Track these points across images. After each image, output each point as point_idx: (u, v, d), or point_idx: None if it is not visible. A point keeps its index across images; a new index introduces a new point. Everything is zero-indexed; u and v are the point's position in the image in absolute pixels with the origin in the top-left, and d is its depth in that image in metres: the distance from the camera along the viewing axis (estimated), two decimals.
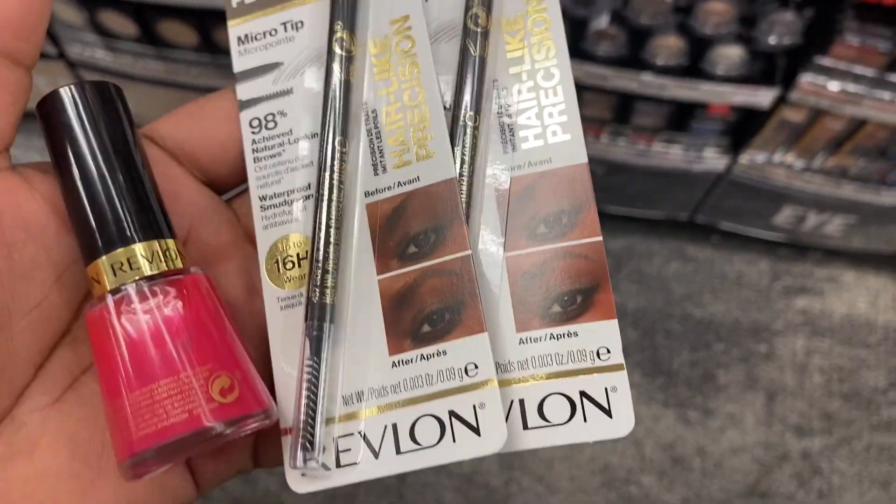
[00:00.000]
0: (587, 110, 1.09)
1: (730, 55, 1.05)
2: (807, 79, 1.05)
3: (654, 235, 1.20)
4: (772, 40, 1.03)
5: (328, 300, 0.36)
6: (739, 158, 1.17)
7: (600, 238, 0.37)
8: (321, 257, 0.36)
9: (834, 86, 1.04)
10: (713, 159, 1.17)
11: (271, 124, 0.38)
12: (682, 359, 1.12)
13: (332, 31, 0.38)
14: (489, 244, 0.37)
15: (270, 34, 0.39)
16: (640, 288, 1.16)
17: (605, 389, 0.36)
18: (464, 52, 0.38)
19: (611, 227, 1.19)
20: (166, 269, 0.34)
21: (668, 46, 1.00)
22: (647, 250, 1.19)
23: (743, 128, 1.17)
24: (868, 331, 1.27)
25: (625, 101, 1.08)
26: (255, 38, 0.39)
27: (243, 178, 0.39)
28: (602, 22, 0.99)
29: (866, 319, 1.29)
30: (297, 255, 0.38)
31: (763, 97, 1.07)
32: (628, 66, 1.01)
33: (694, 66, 1.05)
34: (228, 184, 0.40)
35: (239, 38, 0.39)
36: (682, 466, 1.10)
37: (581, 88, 1.07)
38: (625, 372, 0.36)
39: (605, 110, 1.10)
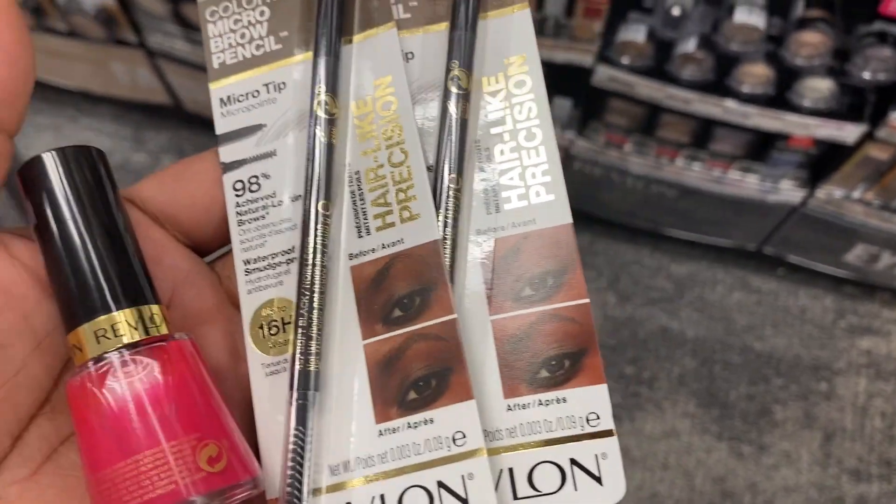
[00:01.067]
0: (664, 133, 1.08)
1: (819, 88, 1.03)
2: None
3: (718, 263, 1.18)
4: (866, 75, 1.01)
5: (312, 367, 0.35)
6: (816, 192, 1.15)
7: (587, 300, 0.36)
8: (306, 323, 0.36)
9: None
10: (789, 191, 1.15)
11: (255, 187, 0.38)
12: (739, 391, 1.10)
13: (313, 94, 0.37)
14: (474, 307, 0.37)
15: (252, 95, 0.39)
16: (700, 316, 1.14)
17: (596, 456, 0.35)
18: (444, 113, 0.37)
19: (675, 252, 1.17)
20: (150, 336, 0.33)
21: (755, 74, 0.99)
22: (712, 278, 1.17)
23: (824, 162, 1.15)
24: None
25: (705, 126, 1.07)
26: (238, 100, 0.39)
27: (226, 240, 0.39)
28: (690, 46, 0.99)
29: None
30: (282, 319, 0.37)
31: (849, 133, 1.06)
32: (713, 91, 1.00)
33: (780, 97, 1.03)
34: (211, 246, 0.40)
35: (221, 100, 0.39)
36: (732, 501, 1.08)
37: (660, 110, 1.06)
38: (615, 438, 0.36)
39: (683, 134, 1.09)
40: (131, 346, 0.32)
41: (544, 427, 0.36)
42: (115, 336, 0.32)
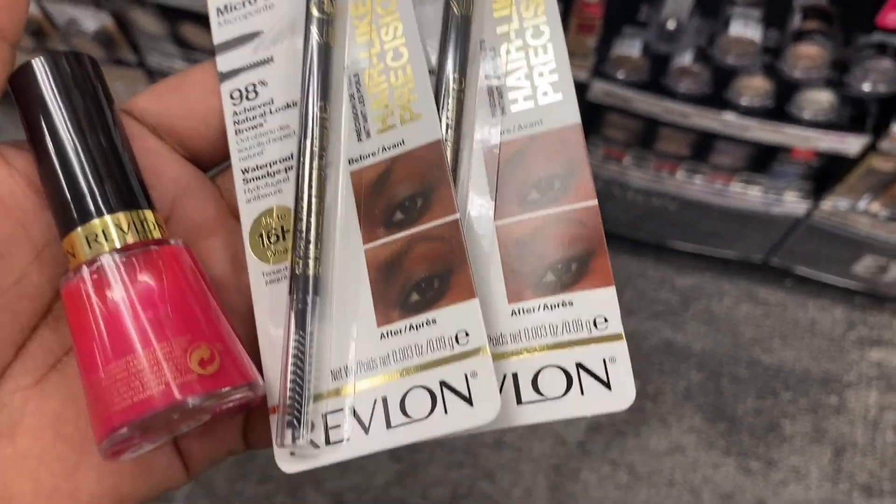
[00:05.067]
0: (663, 146, 1.08)
1: (819, 100, 1.04)
2: None
3: (724, 275, 1.18)
4: (865, 87, 1.01)
5: (312, 272, 0.35)
6: (821, 204, 1.15)
7: (595, 202, 0.35)
8: (304, 227, 0.35)
9: None
10: (793, 203, 1.15)
11: (252, 94, 0.37)
12: (746, 406, 1.09)
13: None
14: (479, 211, 0.36)
15: (249, 3, 0.38)
16: (707, 329, 1.13)
17: (604, 360, 0.34)
18: (447, 11, 0.37)
19: (680, 264, 1.17)
20: (142, 239, 0.33)
21: (753, 87, 0.99)
22: (718, 290, 1.17)
23: (827, 174, 1.15)
24: None
25: (704, 140, 1.07)
26: (234, 8, 0.38)
27: (226, 153, 0.39)
28: (686, 59, 0.98)
29: None
30: (282, 227, 0.36)
31: (851, 144, 1.06)
32: (710, 104, 0.99)
33: (779, 109, 1.03)
34: (211, 159, 0.39)
35: (218, 10, 0.38)
36: None
37: (658, 124, 1.06)
38: (624, 341, 0.34)
39: (682, 147, 1.09)
40: (124, 250, 0.32)
41: (549, 331, 0.35)
42: (108, 240, 0.32)
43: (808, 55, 1.00)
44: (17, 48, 0.34)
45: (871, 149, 1.10)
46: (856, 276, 1.24)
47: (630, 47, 1.07)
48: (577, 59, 1.12)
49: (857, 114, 1.05)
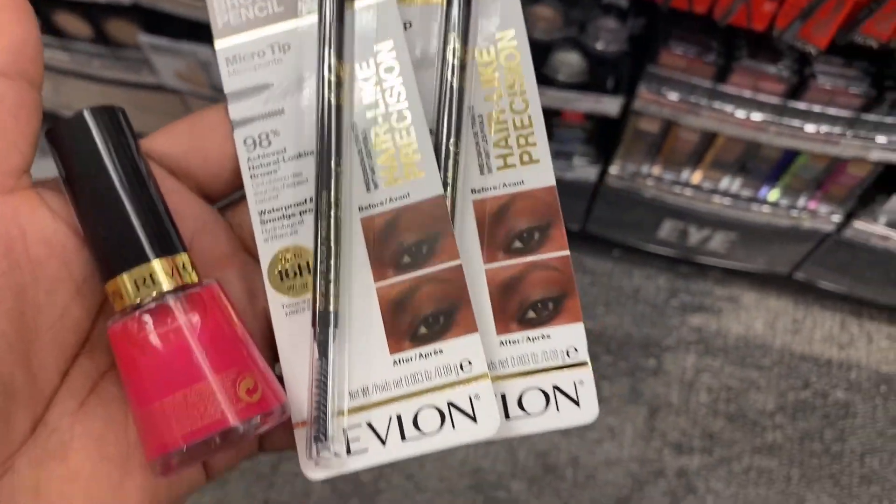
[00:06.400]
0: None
1: (569, 62, 1.10)
2: (645, 87, 1.10)
3: None
4: (599, 46, 1.09)
5: (332, 307, 0.39)
6: (610, 168, 1.21)
7: (568, 252, 0.42)
8: (324, 269, 0.39)
9: (673, 95, 1.11)
10: (582, 168, 1.21)
11: (265, 142, 0.41)
12: None
13: (321, 58, 0.40)
14: (470, 257, 0.42)
15: (258, 55, 0.41)
16: None
17: (574, 383, 0.41)
18: (442, 82, 0.42)
19: None
20: (184, 282, 0.36)
21: None
22: None
23: (603, 137, 1.21)
24: (762, 353, 1.30)
25: None
26: (244, 59, 0.41)
27: (234, 190, 0.42)
28: None
29: (762, 341, 1.31)
30: (298, 265, 0.41)
31: (609, 105, 1.13)
32: None
33: (538, 72, 1.10)
34: (221, 196, 0.42)
35: (227, 59, 0.41)
36: (553, 475, 1.11)
37: None
38: (589, 367, 0.42)
39: None
40: (171, 293, 0.36)
41: (531, 359, 0.41)
42: (154, 283, 0.35)
43: (543, 17, 1.08)
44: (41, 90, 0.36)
45: (627, 109, 1.17)
46: (663, 241, 1.31)
47: None
48: None
49: (604, 74, 1.12)
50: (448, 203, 0.41)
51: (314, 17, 0.41)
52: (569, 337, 0.42)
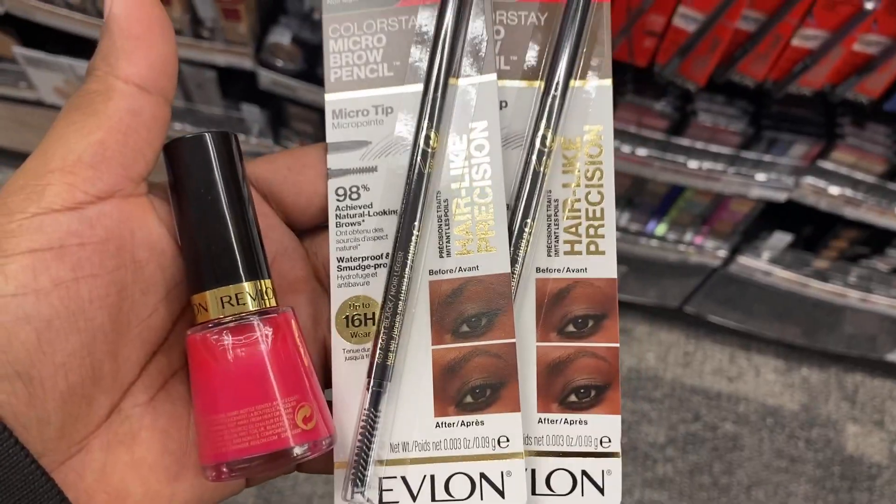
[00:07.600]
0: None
1: None
2: None
3: None
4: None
5: (390, 362, 0.42)
6: None
7: (618, 345, 0.44)
8: (389, 325, 0.42)
9: None
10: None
11: (355, 195, 0.43)
12: None
13: (419, 128, 0.43)
14: (523, 333, 0.44)
15: (362, 114, 0.44)
16: None
17: (602, 472, 0.43)
18: (526, 165, 0.43)
19: None
20: (264, 306, 0.39)
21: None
22: None
23: None
24: (654, 385, 1.30)
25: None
26: (349, 115, 0.44)
27: (315, 225, 0.45)
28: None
29: (654, 373, 1.32)
30: (365, 314, 0.43)
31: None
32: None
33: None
34: (304, 228, 0.45)
35: (333, 112, 0.44)
36: None
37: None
38: (619, 459, 0.43)
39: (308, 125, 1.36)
40: (252, 314, 0.38)
41: (566, 441, 0.43)
42: (239, 303, 0.38)
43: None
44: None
45: None
46: None
47: (281, 35, 1.23)
48: (237, 47, 1.24)
49: None
50: (515, 277, 0.43)
51: (419, 87, 0.43)
52: (605, 426, 0.43)
